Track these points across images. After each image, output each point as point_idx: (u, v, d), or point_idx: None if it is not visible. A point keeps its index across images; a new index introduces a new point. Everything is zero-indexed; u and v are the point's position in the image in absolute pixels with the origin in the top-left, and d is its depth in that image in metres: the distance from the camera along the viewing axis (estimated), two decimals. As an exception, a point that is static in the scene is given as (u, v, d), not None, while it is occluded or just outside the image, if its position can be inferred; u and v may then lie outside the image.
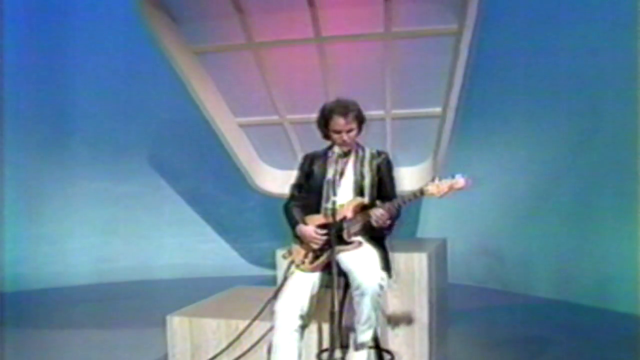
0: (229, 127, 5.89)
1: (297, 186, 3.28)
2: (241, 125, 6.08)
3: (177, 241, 7.90)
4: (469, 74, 5.04)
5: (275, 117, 5.91)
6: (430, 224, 7.09)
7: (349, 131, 3.07)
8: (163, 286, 7.27)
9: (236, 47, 5.36)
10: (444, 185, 2.89)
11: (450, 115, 5.27)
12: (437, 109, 5.49)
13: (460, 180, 2.88)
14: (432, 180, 2.94)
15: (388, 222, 2.98)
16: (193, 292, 4.64)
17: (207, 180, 7.90)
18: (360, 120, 3.12)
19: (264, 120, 5.99)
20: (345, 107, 3.05)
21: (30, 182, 7.34)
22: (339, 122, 3.04)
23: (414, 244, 4.82)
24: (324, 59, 5.29)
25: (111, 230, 7.75)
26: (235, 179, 6.38)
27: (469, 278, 6.72)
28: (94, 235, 7.67)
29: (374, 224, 2.96)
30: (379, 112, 5.56)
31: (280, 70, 5.48)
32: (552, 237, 6.05)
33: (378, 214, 2.94)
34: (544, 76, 6.02)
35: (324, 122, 3.11)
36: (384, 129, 5.74)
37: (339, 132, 3.07)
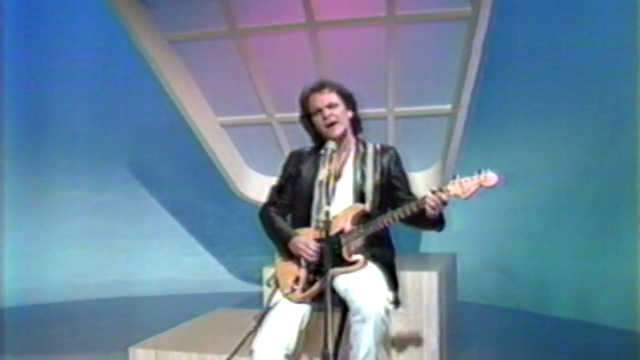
0: (209, 127, 5.56)
1: (278, 189, 2.79)
2: (223, 125, 5.74)
3: (160, 254, 7.69)
4: (483, 66, 4.66)
5: (261, 116, 5.57)
6: (434, 237, 6.61)
7: (330, 106, 2.63)
8: (143, 304, 7.02)
9: (216, 35, 5.01)
10: (470, 183, 2.40)
11: (462, 114, 4.93)
12: (447, 107, 5.15)
13: (491, 177, 2.39)
14: (453, 178, 2.45)
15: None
16: (174, 311, 4.58)
17: (192, 188, 7.66)
18: (344, 96, 2.70)
19: (249, 119, 5.65)
20: (319, 83, 2.71)
21: (-1, 190, 7.07)
22: (315, 97, 2.67)
23: (421, 260, 4.62)
24: (317, 48, 4.93)
25: (88, 242, 7.48)
26: (222, 187, 6.07)
27: (479, 295, 6.45)
28: (70, 248, 7.39)
29: (430, 210, 2.42)
30: (381, 110, 5.22)
31: (267, 61, 5.15)
32: (570, 252, 5.78)
33: (432, 203, 2.41)
34: (562, 74, 5.68)
35: (304, 110, 2.75)
36: (385, 128, 5.41)
37: (319, 110, 2.65)
